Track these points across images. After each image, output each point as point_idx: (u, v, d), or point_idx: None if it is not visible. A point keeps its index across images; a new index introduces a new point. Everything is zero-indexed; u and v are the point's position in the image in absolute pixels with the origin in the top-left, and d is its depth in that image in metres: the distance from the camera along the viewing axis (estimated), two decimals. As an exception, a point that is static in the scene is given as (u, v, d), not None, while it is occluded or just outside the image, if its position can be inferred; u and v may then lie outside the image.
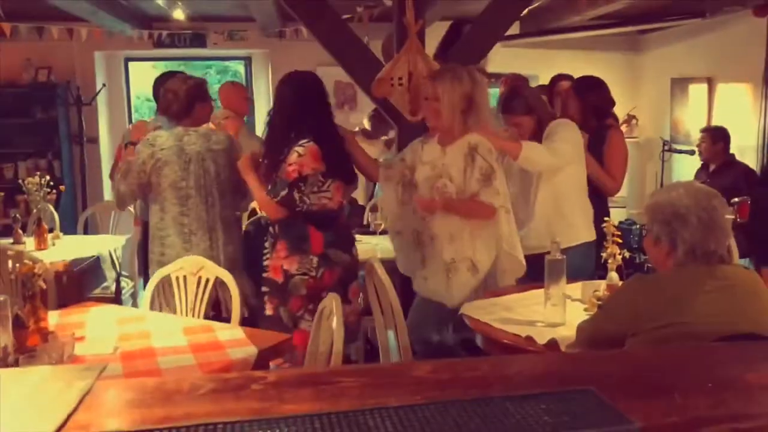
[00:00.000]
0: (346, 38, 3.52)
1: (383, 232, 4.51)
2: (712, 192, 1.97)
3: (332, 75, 5.35)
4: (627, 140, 7.12)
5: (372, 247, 4.29)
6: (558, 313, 2.55)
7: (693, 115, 6.57)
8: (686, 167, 6.25)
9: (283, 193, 2.90)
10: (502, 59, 6.99)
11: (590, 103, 3.74)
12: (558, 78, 4.84)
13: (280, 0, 3.54)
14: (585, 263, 3.26)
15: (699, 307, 1.88)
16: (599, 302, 2.54)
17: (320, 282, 2.96)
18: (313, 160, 2.89)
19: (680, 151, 6.15)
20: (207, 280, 2.90)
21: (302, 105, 2.97)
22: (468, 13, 4.36)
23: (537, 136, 3.29)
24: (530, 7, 5.96)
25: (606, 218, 2.80)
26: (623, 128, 7.37)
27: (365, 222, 4.96)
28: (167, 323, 2.63)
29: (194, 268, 2.93)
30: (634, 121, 7.40)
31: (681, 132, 6.77)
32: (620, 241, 2.79)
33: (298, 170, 2.88)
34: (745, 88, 5.86)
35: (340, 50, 3.54)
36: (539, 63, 6.92)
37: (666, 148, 6.34)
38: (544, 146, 3.20)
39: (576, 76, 7.22)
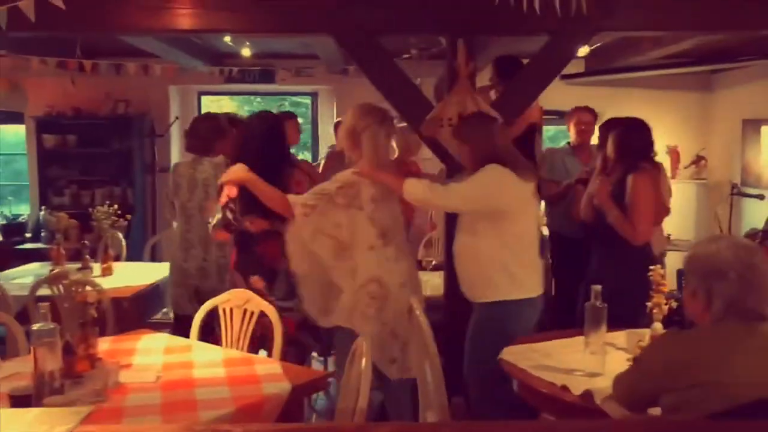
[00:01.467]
0: (397, 79, 3.60)
1: (435, 268, 4.52)
2: (755, 248, 1.91)
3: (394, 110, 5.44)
4: (695, 182, 7.04)
5: (422, 283, 4.30)
6: (597, 362, 2.50)
7: (765, 158, 6.32)
8: (756, 212, 6.01)
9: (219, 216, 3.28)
10: (566, 97, 6.94)
11: (620, 145, 3.54)
12: (577, 110, 4.86)
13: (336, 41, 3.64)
14: (505, 324, 3.02)
15: (737, 367, 1.81)
16: (634, 355, 2.47)
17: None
18: (235, 187, 3.18)
19: (750, 195, 5.92)
20: (252, 313, 2.98)
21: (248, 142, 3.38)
22: (523, 52, 4.39)
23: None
24: (593, 47, 5.96)
25: (651, 267, 2.73)
26: (691, 169, 7.20)
27: (418, 257, 4.99)
28: (210, 354, 2.72)
29: (240, 301, 3.02)
30: (703, 162, 7.18)
31: (752, 175, 6.51)
32: (666, 290, 2.72)
33: (225, 196, 3.21)
34: (821, 131, 5.61)
35: (391, 90, 3.61)
36: (605, 101, 6.81)
37: (735, 191, 6.11)
38: (439, 184, 3.10)
39: (642, 115, 7.12)
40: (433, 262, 4.65)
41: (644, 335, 2.69)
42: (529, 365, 2.60)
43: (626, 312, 2.86)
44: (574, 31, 3.53)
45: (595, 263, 3.56)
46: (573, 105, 7.19)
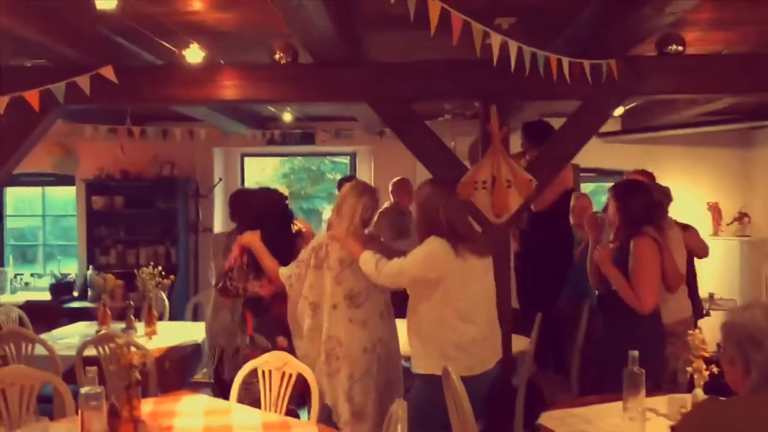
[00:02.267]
0: (430, 142, 3.70)
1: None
2: (791, 314, 1.89)
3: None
4: (738, 239, 6.92)
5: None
6: (636, 429, 2.47)
7: (810, 215, 6.21)
8: (804, 270, 5.87)
9: (220, 283, 3.59)
10: (603, 155, 6.97)
11: (620, 209, 3.42)
12: (632, 175, 4.77)
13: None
14: (424, 397, 2.91)
15: (778, 438, 1.78)
16: (675, 422, 2.43)
17: (248, 358, 3.27)
18: (237, 253, 3.52)
19: (795, 253, 5.80)
20: (290, 375, 3.02)
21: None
22: (559, 112, 4.47)
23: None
24: (629, 106, 6.01)
25: (690, 332, 2.70)
26: (735, 226, 7.09)
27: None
28: (249, 417, 2.75)
29: (279, 363, 3.06)
30: (746, 219, 7.07)
31: (798, 232, 6.39)
32: (707, 354, 2.68)
33: (228, 263, 3.55)
34: None
35: (425, 153, 3.71)
36: (642, 159, 6.81)
37: (779, 249, 6.00)
38: (386, 260, 3.03)
39: (682, 172, 7.10)
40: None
41: (686, 401, 2.64)
42: (568, 431, 2.57)
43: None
44: (605, 96, 3.59)
45: (603, 329, 3.52)
46: (610, 163, 7.28)
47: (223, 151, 7.85)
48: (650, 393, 2.72)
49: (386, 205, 5.99)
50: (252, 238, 3.46)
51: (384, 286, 3.10)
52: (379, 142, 7.01)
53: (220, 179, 7.62)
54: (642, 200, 3.42)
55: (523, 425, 4.07)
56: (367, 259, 3.04)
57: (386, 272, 2.99)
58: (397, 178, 6.14)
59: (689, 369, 2.67)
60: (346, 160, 8.54)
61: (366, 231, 3.27)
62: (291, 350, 3.34)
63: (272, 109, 6.17)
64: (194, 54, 3.86)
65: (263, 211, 3.66)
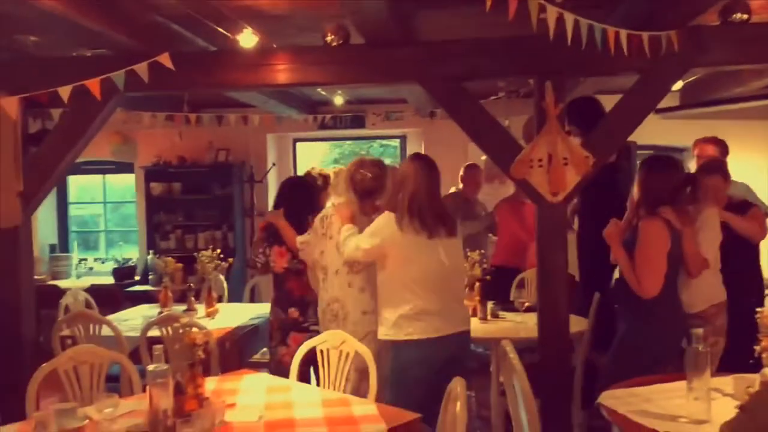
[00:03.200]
0: (484, 121, 3.65)
1: (528, 309, 4.48)
2: None
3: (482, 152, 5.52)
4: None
5: (515, 325, 4.28)
6: (702, 409, 2.41)
7: None
8: None
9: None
10: (661, 132, 6.77)
11: (641, 186, 3.38)
12: (699, 142, 4.65)
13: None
14: (393, 363, 3.11)
15: None
16: (743, 402, 2.36)
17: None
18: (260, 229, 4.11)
19: None
20: (348, 354, 3.06)
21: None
22: (616, 88, 4.35)
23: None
24: (689, 80, 5.81)
25: (759, 309, 2.62)
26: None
27: (511, 298, 4.95)
28: (309, 395, 2.81)
29: (337, 342, 3.10)
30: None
31: None
32: (777, 333, 2.59)
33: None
34: None
35: (478, 133, 3.67)
36: (703, 135, 6.60)
37: None
38: (354, 234, 3.28)
39: (743, 148, 6.84)
40: (526, 304, 4.61)
41: (754, 381, 2.57)
42: (629, 410, 2.53)
43: (635, 367, 2.94)
44: (665, 69, 3.48)
45: (620, 312, 3.47)
46: (668, 139, 7.05)
47: (276, 137, 7.95)
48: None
49: (453, 189, 5.95)
50: (275, 216, 3.94)
51: (348, 259, 3.31)
52: (429, 124, 6.98)
53: (274, 164, 7.72)
54: (662, 179, 3.34)
55: (581, 405, 4.03)
56: (344, 230, 3.31)
57: (347, 247, 3.25)
58: (470, 163, 6.08)
59: (757, 348, 2.59)
60: (396, 143, 8.54)
61: (377, 202, 3.46)
62: (305, 320, 3.84)
63: (323, 92, 6.20)
64: (248, 38, 3.90)
65: (284, 192, 4.12)
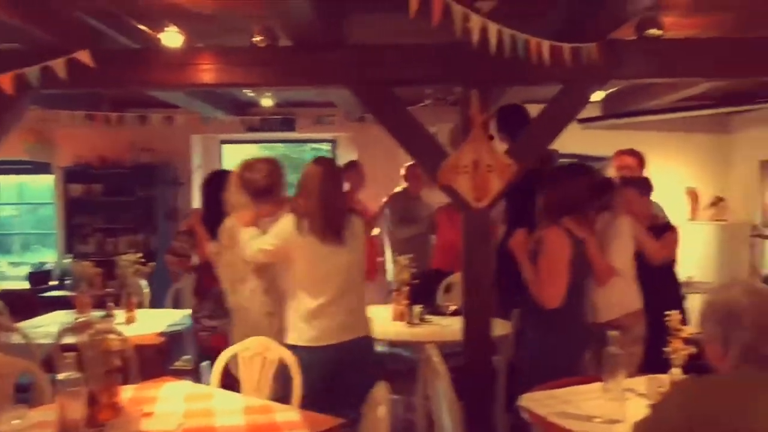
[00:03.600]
0: (412, 127, 3.68)
1: (455, 313, 4.53)
2: (770, 293, 1.91)
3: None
4: (715, 223, 7.01)
5: (441, 328, 4.31)
6: (616, 409, 2.49)
7: (785, 199, 6.31)
8: (779, 253, 5.97)
9: None
10: (583, 141, 7.00)
11: (544, 196, 3.37)
12: (619, 154, 4.68)
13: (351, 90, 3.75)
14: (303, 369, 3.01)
15: (756, 415, 1.79)
16: (654, 401, 2.46)
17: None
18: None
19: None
20: (272, 360, 3.01)
21: None
22: (540, 98, 4.47)
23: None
24: (608, 92, 6.04)
25: (668, 312, 2.73)
26: (711, 210, 7.18)
27: (437, 302, 5.00)
28: (231, 402, 2.74)
29: (260, 348, 3.06)
30: (722, 204, 7.16)
31: (773, 216, 6.49)
32: (684, 335, 2.71)
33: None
34: (840, 172, 5.60)
35: (406, 138, 3.69)
36: (622, 145, 6.84)
37: (754, 232, 6.08)
38: (255, 236, 3.31)
39: (660, 157, 7.14)
40: (452, 307, 4.66)
41: (665, 381, 2.67)
42: (548, 412, 2.59)
43: (540, 376, 2.93)
44: (585, 80, 3.59)
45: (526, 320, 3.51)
46: (590, 149, 7.29)
47: (202, 138, 7.79)
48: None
49: (398, 189, 5.96)
50: (193, 217, 4.12)
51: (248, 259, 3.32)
52: (360, 129, 6.99)
53: (199, 166, 7.56)
54: (564, 189, 3.30)
55: (505, 407, 4.10)
56: (243, 236, 3.32)
57: (250, 249, 3.26)
58: (409, 163, 6.10)
59: (667, 349, 2.70)
60: (328, 147, 8.51)
61: (283, 198, 3.45)
62: (198, 311, 4.03)
63: (251, 94, 6.11)
64: (172, 37, 3.80)
65: (204, 189, 4.11)
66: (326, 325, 3.14)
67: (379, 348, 4.34)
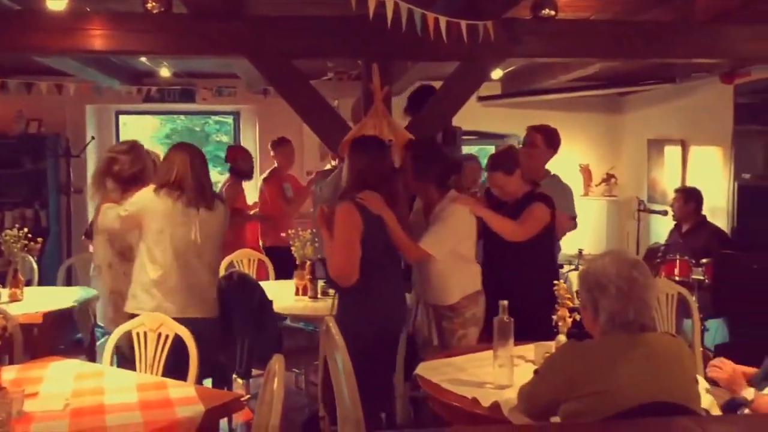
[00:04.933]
0: (313, 101, 3.66)
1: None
2: (636, 262, 2.04)
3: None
4: (606, 199, 7.38)
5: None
6: (505, 375, 2.60)
7: (668, 176, 6.71)
8: (662, 227, 6.35)
9: None
10: (484, 118, 7.18)
11: (349, 169, 3.22)
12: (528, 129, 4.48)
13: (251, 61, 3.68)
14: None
15: (623, 375, 1.93)
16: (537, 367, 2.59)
17: None
18: None
19: (655, 212, 6.26)
20: (167, 337, 2.95)
21: None
22: (442, 76, 4.54)
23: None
24: (507, 70, 6.20)
25: (556, 281, 2.87)
26: (603, 186, 7.55)
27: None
28: (123, 380, 2.67)
29: (154, 324, 2.98)
30: (613, 180, 7.55)
31: (657, 192, 6.90)
32: (571, 304, 2.86)
33: None
34: (716, 151, 6.01)
35: (308, 112, 3.68)
36: (521, 123, 7.02)
37: (641, 207, 6.45)
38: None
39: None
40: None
41: (551, 347, 2.81)
42: (442, 379, 2.68)
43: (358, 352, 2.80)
44: (483, 57, 3.68)
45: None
46: (491, 126, 7.49)
47: (96, 109, 7.42)
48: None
49: (327, 166, 5.70)
50: None
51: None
52: (263, 101, 6.85)
53: (93, 138, 7.20)
54: (366, 162, 3.12)
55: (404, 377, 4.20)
56: (104, 209, 3.37)
57: (107, 217, 3.31)
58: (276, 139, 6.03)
59: (554, 317, 2.84)
60: (230, 119, 8.32)
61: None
62: None
63: (148, 63, 5.87)
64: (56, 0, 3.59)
65: None
66: (166, 297, 3.17)
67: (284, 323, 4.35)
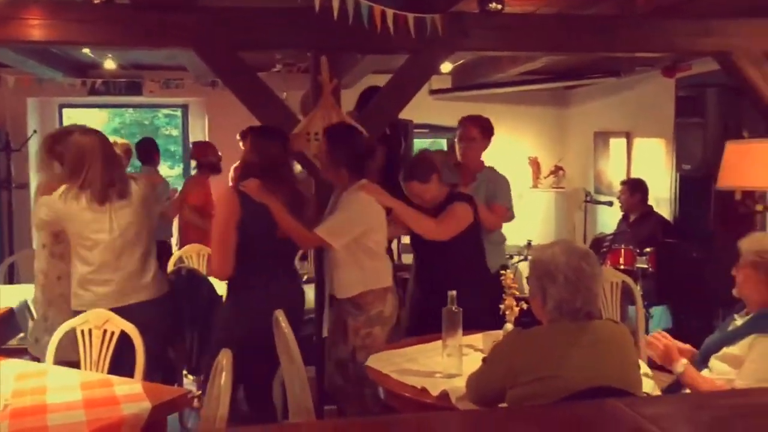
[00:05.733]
0: (261, 93, 3.62)
1: (310, 281, 4.56)
2: (585, 252, 2.09)
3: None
4: (554, 190, 7.52)
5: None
6: (454, 364, 2.64)
7: (614, 168, 6.88)
8: (608, 217, 6.51)
9: None
10: (435, 111, 7.22)
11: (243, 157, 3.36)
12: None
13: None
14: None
15: (569, 361, 1.98)
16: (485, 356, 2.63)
17: None
18: None
19: (601, 202, 6.41)
20: (112, 334, 2.90)
21: None
22: (392, 69, 4.54)
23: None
24: (457, 64, 6.25)
25: (503, 272, 2.91)
26: (551, 178, 7.69)
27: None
28: (66, 378, 2.61)
29: (99, 321, 2.92)
30: (561, 172, 7.69)
31: (604, 183, 7.06)
32: (518, 293, 2.91)
33: None
34: (659, 143, 6.18)
35: (256, 105, 3.64)
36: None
37: (588, 198, 6.59)
38: None
39: (506, 128, 7.51)
40: (306, 275, 4.69)
41: (499, 336, 2.85)
42: (392, 370, 2.70)
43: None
44: (431, 50, 3.69)
45: None
46: (441, 119, 7.54)
47: (38, 102, 7.21)
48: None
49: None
50: None
51: None
52: (212, 94, 6.75)
53: (35, 131, 7.00)
54: (257, 150, 3.16)
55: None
56: (37, 203, 3.24)
57: (36, 214, 3.19)
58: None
59: (501, 306, 2.89)
60: (179, 112, 8.18)
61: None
62: None
63: (91, 54, 5.72)
64: (-8, -13, 3.47)
65: None
66: (101, 290, 3.10)
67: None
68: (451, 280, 2.83)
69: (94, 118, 9.22)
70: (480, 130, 4.04)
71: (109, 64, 6.04)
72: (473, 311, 2.79)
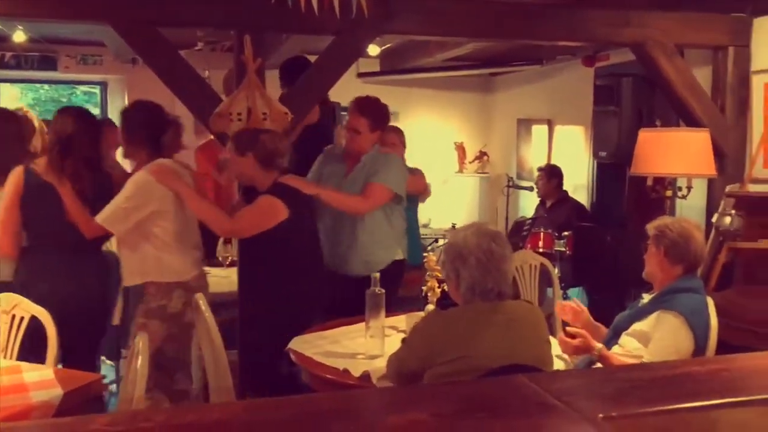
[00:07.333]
0: (182, 72, 3.53)
1: (232, 264, 4.50)
2: (495, 234, 2.15)
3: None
4: (478, 175, 7.66)
5: (219, 279, 4.26)
6: (376, 345, 2.67)
7: (536, 154, 7.06)
8: (529, 202, 6.68)
9: None
10: (363, 94, 7.20)
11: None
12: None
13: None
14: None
15: (483, 341, 2.04)
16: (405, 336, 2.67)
17: None
18: None
19: (522, 188, 6.57)
20: (21, 318, 2.78)
21: None
22: (319, 50, 4.50)
23: None
24: (385, 47, 6.25)
25: (425, 255, 2.95)
26: (476, 164, 7.82)
27: (216, 254, 4.92)
28: (-29, 366, 2.49)
29: (8, 306, 2.80)
30: (485, 158, 7.83)
31: (525, 169, 7.24)
32: (440, 275, 2.96)
33: None
34: (578, 131, 6.38)
35: (177, 83, 3.54)
36: (400, 100, 7.17)
37: (510, 183, 6.75)
38: None
39: (433, 113, 7.58)
40: (230, 258, 4.63)
41: (421, 317, 2.90)
42: (315, 352, 2.70)
43: None
44: (357, 32, 3.68)
45: None
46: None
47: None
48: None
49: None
50: None
51: None
52: (132, 71, 6.52)
53: (-60, 107, 6.59)
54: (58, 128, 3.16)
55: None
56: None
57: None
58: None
59: (424, 288, 2.93)
60: (97, 89, 7.86)
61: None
62: None
63: (0, 26, 5.41)
64: None
65: None
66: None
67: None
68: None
69: (5, 93, 8.76)
70: (369, 122, 3.60)
71: (19, 37, 5.73)
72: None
